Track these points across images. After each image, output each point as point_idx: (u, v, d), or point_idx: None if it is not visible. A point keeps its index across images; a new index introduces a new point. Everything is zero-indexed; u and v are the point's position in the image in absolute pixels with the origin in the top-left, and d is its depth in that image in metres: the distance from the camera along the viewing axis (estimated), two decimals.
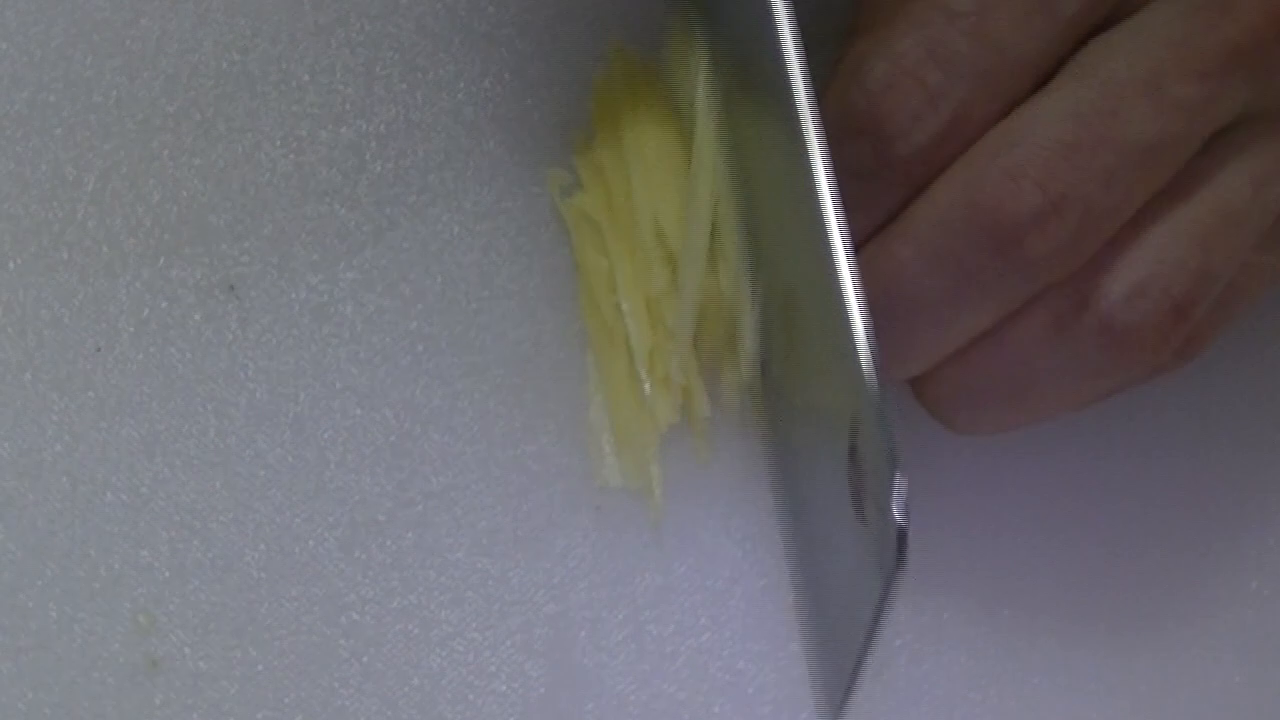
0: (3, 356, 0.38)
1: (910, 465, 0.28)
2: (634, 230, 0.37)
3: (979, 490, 0.38)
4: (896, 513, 0.28)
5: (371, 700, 0.36)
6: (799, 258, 0.33)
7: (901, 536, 0.28)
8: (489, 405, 0.38)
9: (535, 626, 0.37)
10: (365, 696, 0.36)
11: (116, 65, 0.40)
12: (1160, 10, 0.32)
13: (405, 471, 0.38)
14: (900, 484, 0.28)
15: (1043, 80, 0.32)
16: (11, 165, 0.39)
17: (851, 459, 0.31)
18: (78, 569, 0.37)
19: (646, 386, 0.37)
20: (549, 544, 0.37)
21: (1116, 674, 0.37)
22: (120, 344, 0.38)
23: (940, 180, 0.32)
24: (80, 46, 0.40)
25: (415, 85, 0.40)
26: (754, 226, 0.36)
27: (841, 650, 0.33)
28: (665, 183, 0.37)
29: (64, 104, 0.39)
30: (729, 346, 0.37)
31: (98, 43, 0.40)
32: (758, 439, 0.38)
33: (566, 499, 0.38)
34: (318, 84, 0.40)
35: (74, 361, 0.38)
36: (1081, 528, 0.38)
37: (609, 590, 0.37)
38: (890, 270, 0.32)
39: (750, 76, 0.35)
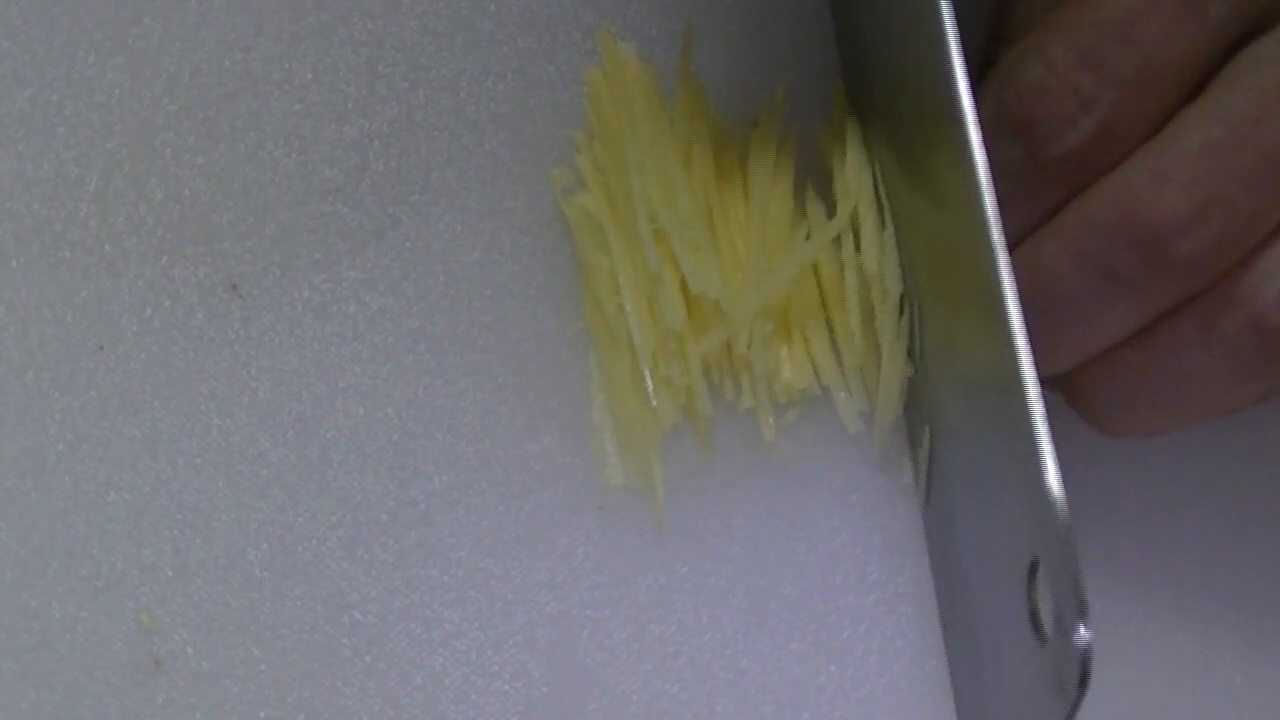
0: (5, 355, 0.38)
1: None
2: (632, 224, 0.38)
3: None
4: (1081, 636, 0.28)
5: (374, 699, 0.36)
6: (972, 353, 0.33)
7: (1085, 660, 0.28)
8: (491, 404, 0.38)
9: (538, 626, 0.37)
10: (368, 696, 0.36)
11: (119, 64, 0.40)
12: None
13: (408, 471, 0.38)
14: (1084, 607, 0.28)
15: (1194, 86, 0.33)
16: (14, 164, 0.39)
17: (1030, 578, 0.30)
18: (80, 568, 0.37)
19: (649, 386, 0.37)
20: (551, 543, 0.37)
21: None
22: (123, 343, 0.38)
23: (1093, 186, 0.32)
24: (83, 45, 0.40)
25: (418, 84, 0.40)
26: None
27: None
28: (660, 175, 0.37)
29: (66, 102, 0.39)
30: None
31: (100, 41, 0.40)
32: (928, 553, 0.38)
33: (569, 499, 0.38)
34: (320, 83, 0.40)
35: (76, 360, 0.38)
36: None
37: (611, 590, 0.37)
38: (1041, 268, 0.33)
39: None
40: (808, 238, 0.38)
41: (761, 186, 0.38)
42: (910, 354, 0.37)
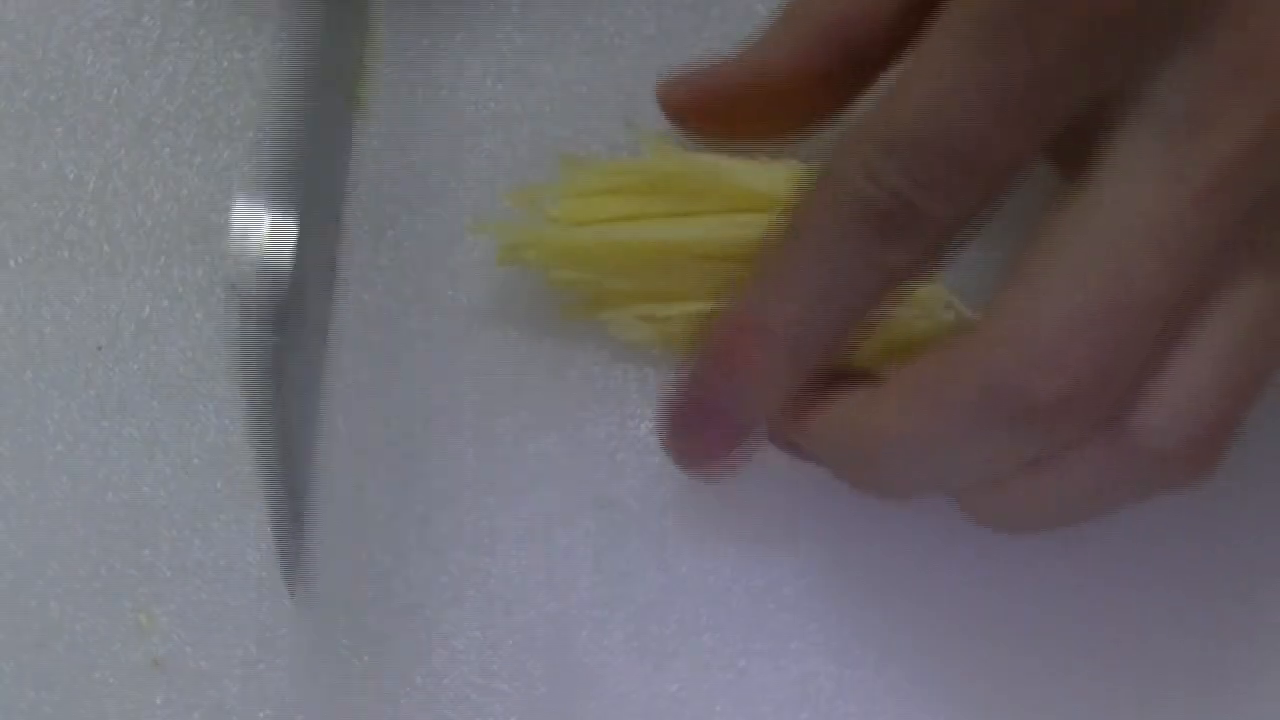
0: (4, 355, 0.38)
1: None
2: None
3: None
4: None
5: (373, 699, 0.36)
6: None
7: None
8: (489, 404, 0.38)
9: (537, 626, 0.37)
10: (367, 696, 0.36)
11: (117, 64, 0.40)
12: (1139, 142, 0.31)
13: (406, 471, 0.38)
14: None
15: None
16: (12, 164, 0.39)
17: None
18: (79, 568, 0.37)
19: None
20: (551, 543, 0.37)
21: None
22: (121, 343, 0.38)
23: (950, 358, 0.31)
24: (81, 45, 0.40)
25: (415, 84, 0.40)
26: None
27: None
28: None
29: (65, 102, 0.39)
30: None
31: (99, 41, 0.40)
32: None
33: (569, 499, 0.38)
34: None
35: (75, 360, 0.38)
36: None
37: (610, 589, 0.37)
38: (906, 434, 0.32)
39: None
40: None
41: None
42: None
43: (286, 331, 0.31)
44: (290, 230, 0.31)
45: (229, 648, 0.36)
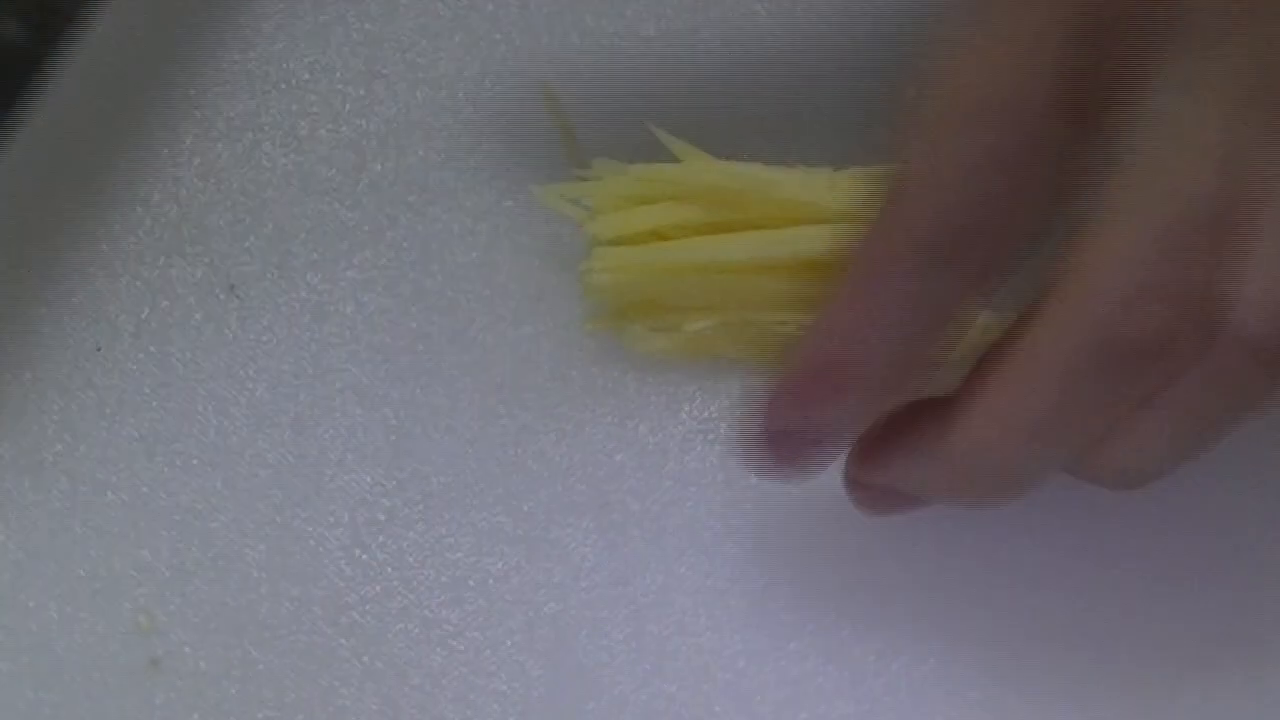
0: (4, 356, 0.38)
1: None
2: None
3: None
4: None
5: (372, 699, 0.36)
6: None
7: None
8: (490, 404, 0.38)
9: (536, 626, 0.37)
10: (366, 696, 0.36)
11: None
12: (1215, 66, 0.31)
13: (405, 471, 0.38)
14: None
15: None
16: None
17: None
18: (78, 568, 0.37)
19: None
20: (550, 543, 0.37)
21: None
22: (120, 343, 0.38)
23: (1051, 326, 0.32)
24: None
25: (415, 84, 0.40)
26: None
27: None
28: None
29: None
30: None
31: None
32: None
33: (568, 498, 0.38)
34: (317, 83, 0.40)
35: (74, 361, 0.38)
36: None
37: (609, 590, 0.37)
38: (1025, 425, 0.32)
39: None
40: None
41: None
42: None
43: None
44: None
45: (227, 648, 0.36)
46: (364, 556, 0.37)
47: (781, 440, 0.33)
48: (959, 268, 0.31)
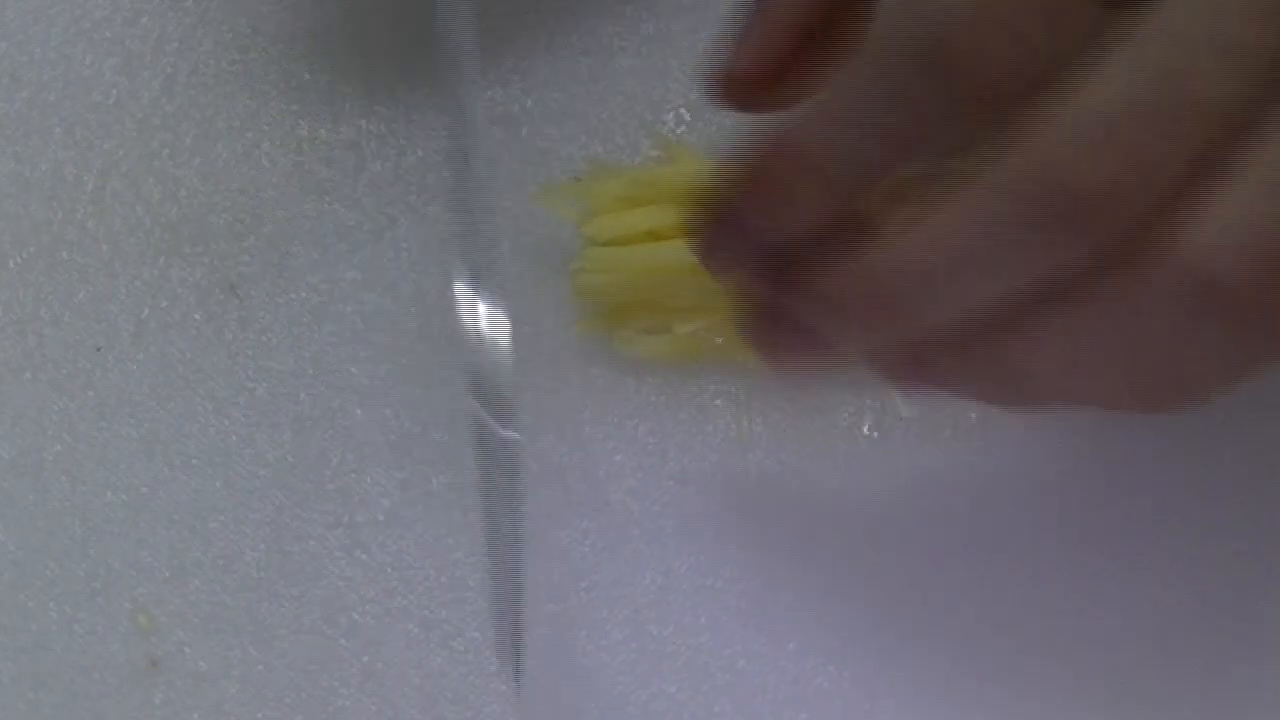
0: (3, 356, 0.38)
1: None
2: None
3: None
4: None
5: (372, 700, 0.36)
6: None
7: None
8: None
9: (536, 626, 0.37)
10: (365, 696, 0.36)
11: (116, 64, 0.40)
12: None
13: (405, 471, 0.38)
14: None
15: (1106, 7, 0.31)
16: (11, 164, 0.39)
17: None
18: (78, 568, 0.37)
19: None
20: (550, 544, 0.37)
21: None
22: (120, 344, 0.38)
23: (1008, 146, 0.31)
24: (80, 45, 0.40)
25: (415, 84, 0.40)
26: None
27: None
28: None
29: (64, 103, 0.39)
30: None
31: (97, 41, 0.40)
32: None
33: (568, 498, 0.38)
34: (317, 83, 0.40)
35: (74, 361, 0.38)
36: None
37: (609, 590, 0.37)
38: (944, 230, 0.31)
39: None
40: None
41: None
42: None
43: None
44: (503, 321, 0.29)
45: (226, 648, 0.36)
46: (364, 557, 0.37)
47: (731, 233, 0.32)
48: (951, 83, 0.30)
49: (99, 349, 0.38)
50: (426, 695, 0.36)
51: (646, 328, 0.38)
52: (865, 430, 0.38)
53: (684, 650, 0.37)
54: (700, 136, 0.39)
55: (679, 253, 0.36)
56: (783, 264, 0.32)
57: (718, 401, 0.38)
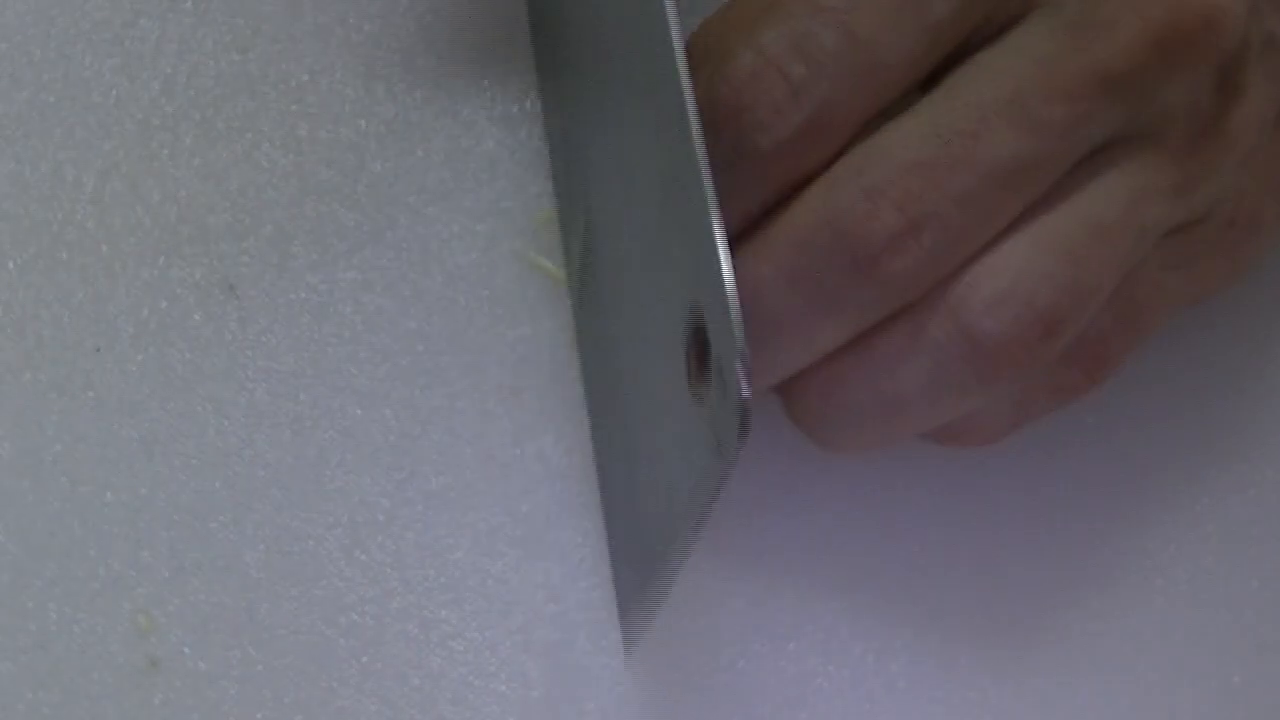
0: (2, 356, 0.38)
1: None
2: None
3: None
4: (740, 376, 0.27)
5: (371, 700, 0.36)
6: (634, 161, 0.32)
7: (744, 409, 0.27)
8: (488, 405, 0.38)
9: (535, 627, 0.37)
10: (365, 696, 0.36)
11: (115, 65, 0.40)
12: (1033, 29, 0.32)
13: (405, 471, 0.38)
14: (746, 357, 0.27)
15: (912, 86, 0.32)
16: (11, 165, 0.39)
17: (691, 348, 0.30)
18: (77, 569, 0.37)
19: None
20: (549, 544, 0.37)
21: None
22: (120, 344, 0.38)
23: (800, 199, 0.32)
24: (79, 46, 0.40)
25: (414, 84, 0.40)
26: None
27: (654, 548, 0.32)
28: None
29: (63, 104, 0.39)
30: None
31: (97, 42, 0.40)
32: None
33: (568, 498, 0.38)
34: (317, 84, 0.40)
35: (73, 362, 0.38)
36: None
37: (609, 590, 0.37)
38: (752, 288, 0.32)
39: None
40: None
41: None
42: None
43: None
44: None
45: (226, 649, 0.36)
46: (363, 557, 0.37)
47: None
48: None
49: (98, 349, 0.38)
50: (426, 696, 0.36)
51: None
52: None
53: (684, 650, 0.37)
54: None
55: None
56: None
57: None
